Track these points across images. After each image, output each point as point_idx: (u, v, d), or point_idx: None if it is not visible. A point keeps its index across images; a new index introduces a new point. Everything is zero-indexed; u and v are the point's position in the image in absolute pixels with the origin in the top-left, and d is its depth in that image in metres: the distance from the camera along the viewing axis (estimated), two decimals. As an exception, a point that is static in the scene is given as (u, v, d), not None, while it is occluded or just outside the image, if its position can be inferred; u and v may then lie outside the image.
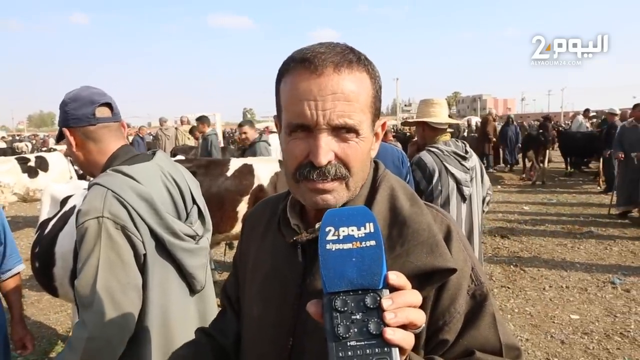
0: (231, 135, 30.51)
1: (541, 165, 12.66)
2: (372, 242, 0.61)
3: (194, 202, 1.69)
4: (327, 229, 0.62)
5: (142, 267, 1.46)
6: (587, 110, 17.16)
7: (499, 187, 12.00)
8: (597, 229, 7.44)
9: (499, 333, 0.84)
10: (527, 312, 4.56)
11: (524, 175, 13.54)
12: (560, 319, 4.41)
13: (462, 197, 2.95)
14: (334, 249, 0.61)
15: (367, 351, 0.57)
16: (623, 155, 7.86)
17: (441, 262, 0.79)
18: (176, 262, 1.56)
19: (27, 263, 2.81)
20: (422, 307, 0.63)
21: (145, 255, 1.46)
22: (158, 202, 1.48)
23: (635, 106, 8.26)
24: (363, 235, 0.61)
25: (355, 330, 0.58)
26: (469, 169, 2.99)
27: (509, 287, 5.18)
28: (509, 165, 15.16)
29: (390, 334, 0.57)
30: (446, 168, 2.91)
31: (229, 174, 4.35)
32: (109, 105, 1.58)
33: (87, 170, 1.63)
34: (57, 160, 8.92)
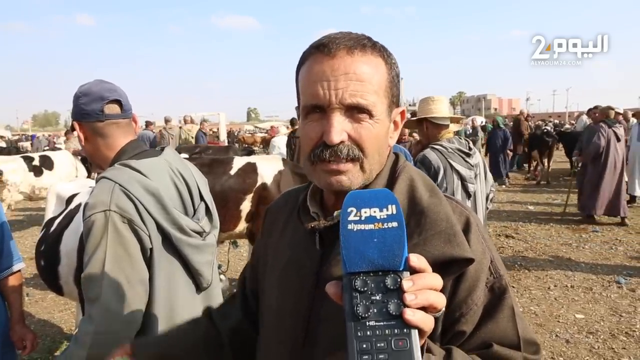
0: (236, 134, 30.62)
1: (545, 165, 12.62)
2: (394, 224, 0.61)
3: (202, 198, 1.69)
4: (349, 210, 0.62)
5: (149, 261, 1.46)
6: (590, 110, 17.04)
7: (504, 186, 11.96)
8: (602, 229, 7.41)
9: (517, 327, 0.84)
10: (532, 312, 4.54)
11: (528, 175, 13.51)
12: (565, 318, 4.39)
13: (467, 194, 2.94)
14: (355, 230, 0.61)
15: (386, 332, 0.57)
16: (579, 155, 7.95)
17: (458, 252, 0.78)
18: (182, 257, 1.56)
19: (32, 262, 2.81)
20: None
21: (151, 249, 1.46)
22: (165, 197, 1.49)
23: (594, 108, 8.29)
24: (385, 216, 0.61)
25: (375, 310, 0.58)
26: (473, 166, 2.99)
27: (513, 286, 5.16)
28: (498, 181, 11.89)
29: (410, 315, 0.56)
30: (451, 165, 2.91)
31: (232, 172, 4.35)
32: (119, 101, 1.58)
33: (96, 162, 1.64)
34: (63, 159, 8.96)
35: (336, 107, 0.80)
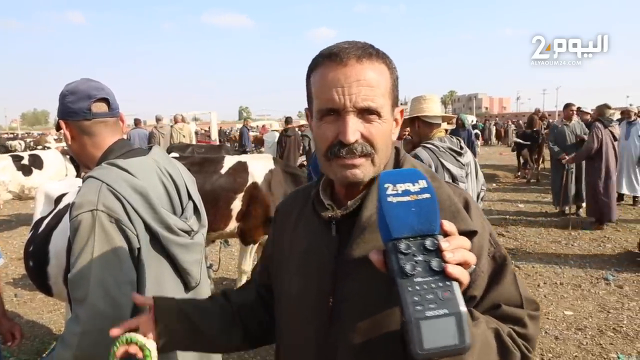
0: (227, 133, 30.52)
1: (535, 163, 12.71)
2: (427, 195, 0.71)
3: (190, 197, 1.68)
4: (386, 186, 0.72)
5: (137, 261, 1.45)
6: (579, 109, 17.16)
7: (494, 185, 12.04)
8: (591, 226, 7.47)
9: (519, 289, 0.98)
10: (522, 309, 4.57)
11: (518, 174, 13.60)
12: (554, 315, 4.44)
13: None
14: (395, 201, 0.70)
15: (432, 285, 0.66)
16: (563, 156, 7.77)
17: (463, 226, 0.90)
18: (171, 257, 1.55)
19: (20, 262, 2.79)
20: None
21: (139, 249, 1.45)
22: (153, 196, 1.48)
23: (566, 105, 8.30)
24: (419, 189, 0.71)
25: (420, 268, 0.67)
26: (464, 165, 3.00)
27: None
28: None
29: (451, 269, 0.67)
30: (442, 164, 2.92)
31: (223, 171, 4.33)
32: (106, 100, 1.57)
33: (82, 162, 1.63)
34: (53, 158, 8.88)
35: (350, 110, 0.91)
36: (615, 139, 7.42)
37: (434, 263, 0.67)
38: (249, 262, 4.58)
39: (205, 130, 21.20)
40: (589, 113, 8.89)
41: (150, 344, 1.09)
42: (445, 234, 0.72)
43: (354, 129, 0.92)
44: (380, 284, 0.87)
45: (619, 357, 3.68)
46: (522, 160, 13.36)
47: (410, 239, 0.69)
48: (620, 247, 6.44)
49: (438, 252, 0.68)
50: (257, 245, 4.57)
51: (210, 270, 5.53)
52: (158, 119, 12.15)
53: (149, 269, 1.48)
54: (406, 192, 0.71)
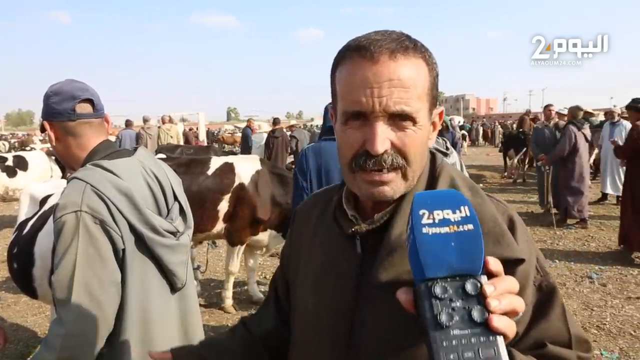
0: (215, 134, 30.38)
1: (521, 163, 12.85)
2: (470, 226, 0.58)
3: (176, 198, 1.68)
4: (421, 212, 0.59)
5: (121, 262, 1.45)
6: (550, 110, 17.30)
7: (481, 185, 12.09)
8: (576, 226, 7.57)
9: (568, 325, 0.83)
10: (507, 308, 4.62)
11: (505, 174, 13.73)
12: (539, 313, 4.48)
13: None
14: (430, 233, 0.58)
15: (472, 340, 0.54)
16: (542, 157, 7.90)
17: (509, 252, 0.77)
18: (156, 258, 1.55)
19: (4, 265, 2.76)
20: None
21: (124, 250, 1.45)
22: (138, 197, 1.48)
23: (545, 106, 8.42)
24: (460, 218, 0.58)
25: (458, 318, 0.55)
26: (449, 166, 3.03)
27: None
28: None
29: (497, 321, 0.54)
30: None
31: (209, 172, 4.32)
32: (90, 101, 1.57)
33: (67, 163, 1.63)
34: (38, 159, 8.78)
35: (380, 115, 0.78)
36: (587, 140, 7.59)
37: (476, 313, 0.55)
38: (236, 263, 4.57)
39: (193, 131, 21.12)
40: (565, 115, 9.01)
41: None
42: (490, 274, 0.59)
43: (384, 137, 0.78)
44: (408, 316, 0.75)
45: (602, 354, 3.73)
46: (508, 161, 13.50)
47: (448, 279, 0.57)
48: (604, 245, 6.54)
49: (480, 297, 0.56)
50: (244, 246, 4.57)
51: (198, 272, 5.52)
52: (145, 120, 12.07)
53: (134, 270, 1.48)
54: (445, 222, 0.58)
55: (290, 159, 11.15)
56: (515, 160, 12.95)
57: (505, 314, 0.56)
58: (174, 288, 1.65)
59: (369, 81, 0.78)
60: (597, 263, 5.84)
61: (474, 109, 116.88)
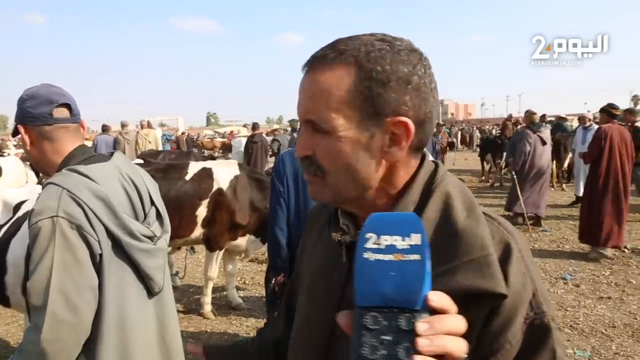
0: (194, 140, 30.15)
1: (497, 167, 13.07)
2: (416, 257, 0.54)
3: (153, 203, 1.69)
4: (367, 236, 0.56)
5: (98, 267, 1.45)
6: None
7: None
8: (551, 229, 7.77)
9: None
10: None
11: (482, 178, 13.94)
12: (515, 314, 4.57)
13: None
14: (372, 259, 0.55)
15: None
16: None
17: (489, 285, 0.69)
18: (133, 262, 1.55)
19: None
20: (469, 329, 0.57)
21: (101, 255, 1.44)
22: (115, 201, 1.48)
23: (526, 112, 8.67)
24: (407, 247, 0.54)
25: (384, 352, 0.51)
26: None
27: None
28: None
29: None
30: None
31: (187, 177, 4.31)
32: (67, 105, 1.56)
33: (41, 168, 1.61)
34: (12, 165, 8.59)
35: (302, 123, 0.81)
36: (544, 143, 7.92)
37: (402, 351, 0.51)
38: (215, 269, 4.55)
39: (183, 134, 20.95)
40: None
41: None
42: (434, 311, 0.54)
43: (302, 144, 0.81)
44: None
45: (575, 353, 3.83)
46: (486, 165, 13.72)
47: (385, 310, 0.53)
48: (578, 247, 6.68)
49: (413, 334, 0.52)
50: (222, 251, 4.56)
51: (177, 278, 5.48)
52: (123, 125, 11.94)
53: (111, 275, 1.48)
54: (390, 249, 0.54)
55: (271, 163, 11.18)
56: (493, 164, 13.17)
57: (436, 356, 0.52)
58: (151, 293, 1.65)
59: (299, 90, 0.82)
60: (571, 264, 5.99)
61: (452, 114, 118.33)
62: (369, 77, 0.76)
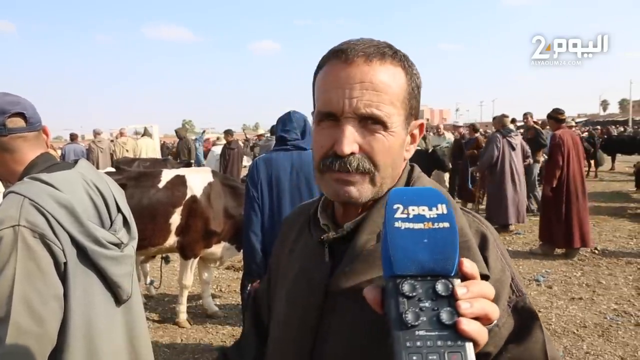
0: (170, 147, 29.78)
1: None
2: (446, 224, 0.55)
3: (119, 210, 1.67)
4: (395, 207, 0.56)
5: (63, 276, 1.42)
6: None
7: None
8: (524, 231, 7.93)
9: (546, 349, 0.77)
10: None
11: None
12: (489, 316, 4.64)
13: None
14: (403, 228, 0.55)
15: (438, 343, 0.50)
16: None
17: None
18: (100, 270, 1.52)
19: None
20: None
21: (65, 264, 1.42)
22: (79, 209, 1.45)
23: (494, 118, 8.85)
24: (435, 215, 0.55)
25: (425, 318, 0.51)
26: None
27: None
28: None
29: (466, 325, 0.50)
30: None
31: (160, 185, 4.26)
32: (22, 114, 1.53)
33: (4, 178, 1.59)
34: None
35: (349, 117, 0.78)
36: (513, 148, 7.94)
37: (445, 315, 0.51)
38: (190, 277, 4.50)
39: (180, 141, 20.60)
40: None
41: None
42: (465, 277, 0.55)
43: (351, 139, 0.78)
44: (371, 327, 0.75)
45: (547, 353, 3.89)
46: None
47: (419, 278, 0.53)
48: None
49: (452, 299, 0.52)
50: (197, 259, 4.51)
51: (152, 287, 5.40)
52: (97, 133, 11.78)
53: (77, 284, 1.46)
54: (419, 218, 0.55)
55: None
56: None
57: (477, 319, 0.53)
58: (119, 300, 1.63)
59: (342, 82, 0.79)
60: (544, 266, 6.11)
61: (427, 119, 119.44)
62: (412, 81, 0.83)
